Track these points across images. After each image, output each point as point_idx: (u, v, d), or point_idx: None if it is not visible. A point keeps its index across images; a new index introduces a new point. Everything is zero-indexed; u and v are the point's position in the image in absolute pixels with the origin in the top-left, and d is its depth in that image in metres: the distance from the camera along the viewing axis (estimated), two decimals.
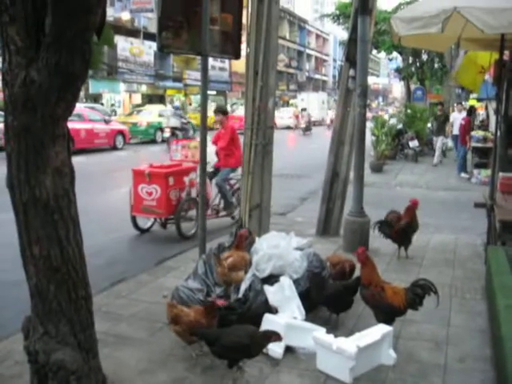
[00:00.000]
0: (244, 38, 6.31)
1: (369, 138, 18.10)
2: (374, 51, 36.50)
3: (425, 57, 32.78)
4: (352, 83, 8.27)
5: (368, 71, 8.03)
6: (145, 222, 9.38)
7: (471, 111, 19.75)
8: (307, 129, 41.11)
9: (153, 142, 28.22)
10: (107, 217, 10.60)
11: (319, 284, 5.24)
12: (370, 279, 4.98)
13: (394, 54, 35.18)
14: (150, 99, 45.52)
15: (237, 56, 6.12)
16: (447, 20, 6.19)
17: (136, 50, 42.69)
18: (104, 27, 3.68)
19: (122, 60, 41.04)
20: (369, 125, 19.20)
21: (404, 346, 4.84)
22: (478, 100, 24.09)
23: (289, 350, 4.61)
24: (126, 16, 41.42)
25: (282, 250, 5.41)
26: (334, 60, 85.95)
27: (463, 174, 16.92)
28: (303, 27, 77.84)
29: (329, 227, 8.77)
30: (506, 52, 8.44)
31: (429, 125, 23.50)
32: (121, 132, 25.10)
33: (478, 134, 17.82)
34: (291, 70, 71.17)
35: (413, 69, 33.99)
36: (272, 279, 5.17)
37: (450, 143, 21.85)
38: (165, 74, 46.67)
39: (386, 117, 27.32)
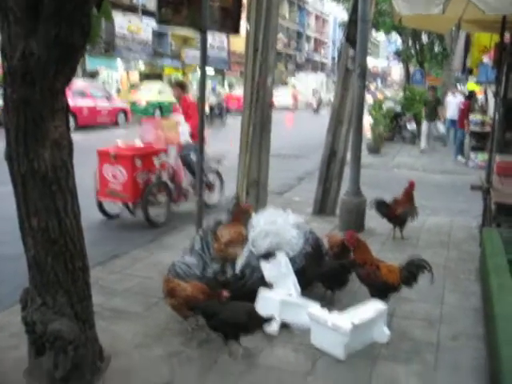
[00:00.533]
0: (244, 15, 6.27)
1: (366, 119, 18.10)
2: (374, 33, 36.29)
3: (425, 38, 32.58)
4: (351, 63, 8.24)
5: (368, 52, 8.00)
6: (112, 207, 8.70)
7: (471, 95, 19.60)
8: (318, 109, 42.28)
9: None
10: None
11: (315, 260, 5.28)
12: (364, 259, 5.01)
13: (394, 36, 34.97)
14: (147, 77, 45.20)
15: (236, 31, 6.08)
16: (448, 1, 6.17)
17: (134, 28, 42.31)
18: (103, 1, 3.66)
19: (119, 37, 40.65)
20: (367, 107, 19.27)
21: (398, 324, 4.89)
22: (477, 83, 23.98)
23: (284, 325, 4.65)
24: None
25: (278, 226, 5.43)
26: (334, 42, 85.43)
27: (460, 158, 16.94)
28: (303, 7, 77.20)
29: (325, 207, 8.81)
30: (507, 35, 8.40)
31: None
32: (123, 110, 25.04)
33: (476, 117, 17.80)
34: (290, 51, 70.73)
35: (412, 51, 33.80)
36: (268, 256, 5.20)
37: (442, 129, 20.84)
38: (163, 52, 46.33)
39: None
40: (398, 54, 37.95)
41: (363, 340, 4.43)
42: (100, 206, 8.52)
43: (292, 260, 5.21)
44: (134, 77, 45.20)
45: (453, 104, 19.11)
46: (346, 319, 4.28)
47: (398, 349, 4.46)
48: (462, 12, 7.35)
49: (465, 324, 4.98)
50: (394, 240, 7.57)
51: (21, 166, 3.49)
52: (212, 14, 5.68)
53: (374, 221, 8.14)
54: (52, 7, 3.24)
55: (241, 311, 4.20)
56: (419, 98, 22.55)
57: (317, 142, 12.22)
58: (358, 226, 7.71)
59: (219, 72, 54.06)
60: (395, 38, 36.26)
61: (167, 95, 29.43)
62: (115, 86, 39.45)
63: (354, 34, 7.79)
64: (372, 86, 71.47)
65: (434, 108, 18.97)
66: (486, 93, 21.02)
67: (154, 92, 29.23)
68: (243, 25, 6.53)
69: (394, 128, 21.33)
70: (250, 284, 4.95)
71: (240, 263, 5.04)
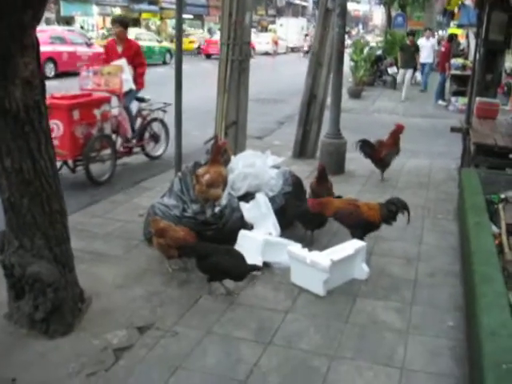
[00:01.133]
0: None
1: (347, 64, 17.88)
2: None
3: None
4: (331, 3, 8.07)
5: None
6: None
7: (452, 38, 19.37)
8: (307, 52, 41.32)
9: None
10: None
11: (295, 200, 5.30)
12: (333, 209, 5.02)
13: None
14: None
15: None
16: None
17: None
18: None
19: None
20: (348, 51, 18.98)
21: (376, 262, 4.96)
22: (459, 26, 23.78)
23: (265, 265, 4.68)
24: None
25: (257, 168, 5.41)
26: None
27: (441, 102, 16.90)
28: None
29: (305, 149, 8.78)
30: None
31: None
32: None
33: (457, 61, 17.71)
34: None
35: None
36: (248, 196, 5.20)
37: (419, 77, 20.03)
38: None
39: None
40: None
41: (342, 277, 4.49)
42: None
43: (272, 200, 5.21)
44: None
45: (426, 48, 18.62)
46: (324, 256, 4.31)
47: (376, 285, 4.53)
48: None
49: (442, 262, 5.06)
50: (377, 182, 7.58)
51: None
52: None
53: (354, 163, 8.15)
54: None
55: (239, 258, 4.22)
56: (400, 42, 22.32)
57: (297, 87, 12.10)
58: (338, 169, 7.73)
59: (198, 17, 52.99)
60: None
61: (145, 41, 28.89)
62: (91, 32, 38.46)
63: None
64: (353, 32, 70.62)
65: (412, 55, 18.02)
66: (467, 37, 20.85)
67: (131, 37, 28.54)
68: None
69: (374, 72, 21.14)
70: (231, 224, 4.96)
71: (220, 204, 5.03)
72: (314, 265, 4.25)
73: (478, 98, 8.14)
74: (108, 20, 44.00)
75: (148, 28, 43.33)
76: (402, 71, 18.34)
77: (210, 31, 47.85)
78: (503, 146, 6.25)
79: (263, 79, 21.90)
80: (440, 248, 5.38)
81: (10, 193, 3.58)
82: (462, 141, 8.02)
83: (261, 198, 5.11)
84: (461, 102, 15.23)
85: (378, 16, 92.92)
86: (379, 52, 21.88)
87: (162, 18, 48.06)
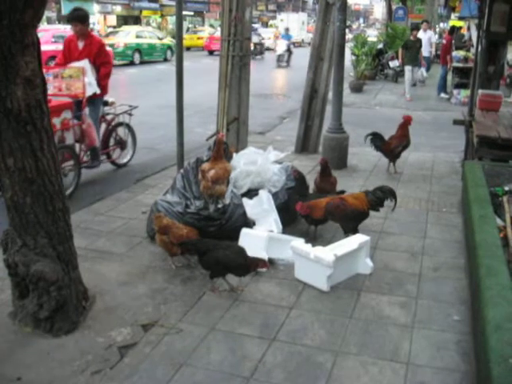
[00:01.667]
0: None
1: (349, 58, 17.84)
2: None
3: None
4: None
5: None
6: None
7: (453, 30, 19.29)
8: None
9: (131, 63, 27.54)
10: None
11: (299, 195, 5.30)
12: (321, 210, 5.03)
13: None
14: (125, 21, 44.18)
15: None
16: None
17: None
18: None
19: None
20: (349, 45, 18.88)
21: (381, 257, 4.94)
22: (460, 19, 23.69)
23: (269, 261, 4.66)
24: None
25: (259, 167, 5.39)
26: None
27: (443, 95, 16.85)
28: None
29: (307, 144, 8.76)
30: None
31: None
32: None
33: (459, 53, 17.63)
34: None
35: None
36: (251, 192, 5.19)
37: (425, 73, 18.75)
38: None
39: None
40: None
41: (347, 272, 4.48)
42: None
43: (275, 196, 5.21)
44: (112, 20, 44.13)
45: (424, 40, 17.97)
46: (328, 252, 4.30)
47: (380, 280, 4.52)
48: None
49: (447, 255, 5.04)
50: (380, 176, 7.57)
51: None
52: None
53: (357, 157, 8.14)
54: None
55: (239, 253, 4.21)
56: (401, 35, 22.25)
57: (298, 82, 12.08)
58: (340, 163, 7.71)
59: (198, 14, 52.94)
60: None
61: (146, 38, 28.87)
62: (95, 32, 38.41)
63: None
64: (354, 26, 70.48)
65: (418, 50, 16.82)
66: (469, 29, 20.74)
67: (132, 35, 28.54)
68: None
69: (376, 66, 21.09)
70: (234, 220, 4.95)
71: (224, 202, 5.02)
72: (318, 260, 4.23)
73: (480, 90, 8.12)
74: (109, 18, 44.12)
75: (149, 25, 43.30)
76: (407, 68, 16.62)
77: (211, 27, 47.82)
78: (506, 137, 6.23)
79: (265, 74, 21.91)
80: (444, 241, 5.36)
81: (13, 192, 3.58)
82: (464, 133, 8.00)
83: (263, 195, 5.09)
84: (463, 94, 15.20)
85: (379, 10, 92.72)
86: (380, 46, 21.81)
87: (162, 16, 48.06)
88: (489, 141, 6.34)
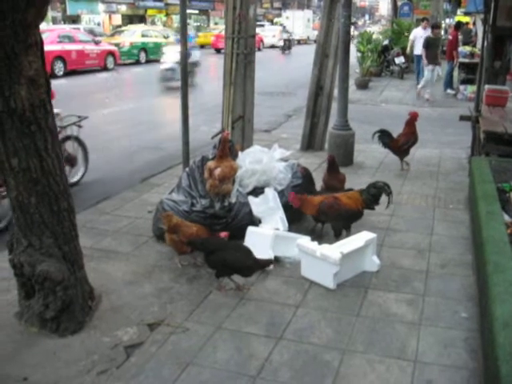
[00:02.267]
0: None
1: (354, 55, 17.77)
2: None
3: None
4: None
5: None
6: None
7: (459, 26, 19.15)
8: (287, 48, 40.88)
9: (137, 62, 27.56)
10: (91, 137, 10.45)
11: (305, 192, 5.28)
12: (313, 207, 5.00)
13: None
14: (130, 20, 44.22)
15: None
16: None
17: None
18: None
19: None
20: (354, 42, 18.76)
21: (387, 254, 4.92)
22: (466, 14, 23.56)
23: (275, 259, 4.65)
24: None
25: (264, 165, 5.37)
26: None
27: (449, 91, 16.75)
28: None
29: (313, 142, 8.74)
30: None
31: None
32: (111, 52, 24.49)
33: (465, 49, 17.53)
34: None
35: None
36: (257, 190, 5.18)
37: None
38: None
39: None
40: None
41: (353, 269, 4.46)
42: None
43: (281, 193, 5.19)
44: (117, 20, 44.18)
45: (423, 39, 16.40)
46: (335, 249, 4.28)
47: (387, 277, 4.49)
48: None
49: (454, 252, 5.01)
50: (387, 173, 7.54)
51: None
52: None
53: (363, 154, 8.11)
54: None
55: (247, 254, 4.20)
56: (407, 31, 22.12)
57: (305, 80, 12.03)
58: (346, 160, 7.68)
59: (204, 12, 52.93)
60: None
61: (152, 37, 28.85)
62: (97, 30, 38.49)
63: None
64: (359, 22, 70.30)
65: (438, 48, 15.68)
66: (475, 24, 20.60)
67: (138, 34, 28.55)
68: None
69: (381, 63, 21.00)
70: (240, 218, 4.94)
71: (230, 200, 5.01)
72: (325, 258, 4.21)
73: (486, 86, 8.06)
74: (114, 17, 44.15)
75: (154, 24, 43.31)
76: (429, 68, 15.39)
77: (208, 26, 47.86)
78: None
79: (271, 72, 21.89)
80: (451, 238, 5.33)
81: (18, 192, 3.57)
82: (471, 129, 7.95)
83: (269, 193, 5.08)
84: (469, 90, 15.09)
85: (384, 6, 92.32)
86: (386, 42, 21.70)
87: (167, 14, 48.05)
88: (495, 136, 6.29)
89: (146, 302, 4.08)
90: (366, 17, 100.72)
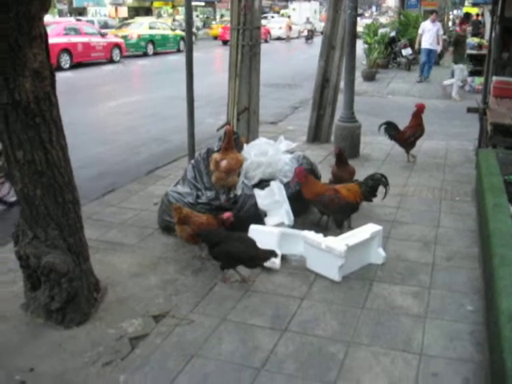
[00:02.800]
0: None
1: (361, 46, 17.68)
2: None
3: None
4: None
5: None
6: None
7: (467, 17, 19.03)
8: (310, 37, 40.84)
9: (145, 55, 27.54)
10: (97, 129, 10.49)
11: None
12: (314, 193, 4.99)
13: None
14: (136, 12, 44.16)
15: None
16: None
17: None
18: None
19: None
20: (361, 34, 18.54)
21: (393, 246, 4.90)
22: (474, 5, 23.40)
23: (282, 258, 4.63)
24: None
25: (270, 157, 5.34)
26: None
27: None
28: None
29: (319, 134, 8.71)
30: None
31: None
32: (117, 45, 24.49)
33: (473, 40, 17.42)
34: None
35: None
36: (263, 183, 5.16)
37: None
38: None
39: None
40: None
41: (359, 262, 4.44)
42: None
43: (286, 185, 5.17)
44: (123, 12, 44.13)
45: (431, 32, 16.50)
46: (340, 241, 4.27)
47: (393, 270, 4.48)
48: None
49: (460, 245, 4.98)
50: (393, 165, 7.51)
51: (1, 96, 3.38)
52: None
53: (369, 147, 8.08)
54: None
55: (250, 244, 4.19)
56: (414, 23, 22.00)
57: (311, 71, 11.99)
58: (352, 152, 7.65)
59: (210, 4, 52.79)
60: None
61: (159, 29, 28.84)
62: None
63: None
64: (366, 14, 69.96)
65: (462, 46, 14.91)
66: (483, 15, 20.45)
67: (145, 26, 28.54)
68: None
69: (388, 54, 20.90)
70: (245, 210, 4.92)
71: (236, 193, 5.00)
72: (330, 250, 4.20)
73: (494, 77, 8.00)
74: (120, 10, 44.10)
75: (160, 16, 43.23)
76: (460, 67, 14.51)
77: (222, 17, 47.73)
78: None
79: (278, 64, 21.83)
80: (458, 231, 5.31)
81: (23, 184, 3.58)
82: (478, 121, 7.91)
83: (275, 186, 5.06)
84: (477, 81, 14.97)
85: None
86: (393, 34, 21.59)
87: (173, 6, 47.95)
88: (503, 128, 6.26)
89: (151, 294, 4.09)
90: (373, 8, 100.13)
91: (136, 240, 5.05)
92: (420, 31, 17.11)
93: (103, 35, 23.59)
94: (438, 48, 17.34)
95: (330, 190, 5.01)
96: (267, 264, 4.36)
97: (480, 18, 24.16)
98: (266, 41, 37.93)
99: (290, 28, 44.98)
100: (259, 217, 4.92)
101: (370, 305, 3.96)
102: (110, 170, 7.77)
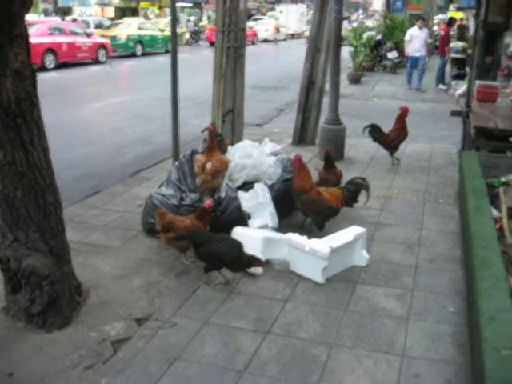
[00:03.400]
0: None
1: (346, 49, 17.72)
2: None
3: None
4: None
5: None
6: None
7: (451, 22, 19.11)
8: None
9: (133, 55, 27.43)
10: (82, 130, 10.43)
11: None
12: (303, 186, 5.02)
13: None
14: (123, 12, 43.97)
15: None
16: None
17: None
18: None
19: None
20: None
21: (377, 249, 4.92)
22: (459, 9, 23.57)
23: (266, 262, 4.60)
24: None
25: (254, 160, 5.34)
26: None
27: (441, 86, 16.76)
28: None
29: (305, 136, 8.73)
30: None
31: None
32: (103, 45, 24.33)
33: (457, 44, 17.55)
34: None
35: None
36: (247, 185, 5.15)
37: None
38: None
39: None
40: None
41: (342, 264, 4.45)
42: None
43: (270, 187, 5.16)
44: (109, 12, 43.93)
45: (419, 39, 16.12)
46: (324, 244, 4.27)
47: (376, 272, 4.49)
48: None
49: (443, 247, 5.01)
50: (377, 167, 7.53)
51: None
52: None
53: (354, 149, 8.10)
54: None
55: (232, 246, 4.17)
56: (400, 26, 22.10)
57: (297, 74, 12.01)
58: (337, 155, 7.65)
59: (197, 6, 52.72)
60: None
61: (148, 30, 28.76)
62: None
63: None
64: (353, 17, 70.24)
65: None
66: (467, 20, 20.58)
67: (134, 27, 28.44)
68: None
69: (374, 57, 20.97)
70: (229, 212, 4.91)
71: (220, 195, 4.99)
72: (313, 252, 4.20)
73: (477, 82, 8.06)
74: (106, 10, 43.90)
75: (146, 17, 43.10)
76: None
77: (209, 19, 47.67)
78: (503, 128, 6.18)
79: (264, 66, 21.84)
80: (441, 233, 5.34)
81: (3, 185, 3.54)
82: (462, 124, 7.96)
83: (259, 188, 5.05)
84: (461, 86, 15.03)
85: (378, 0, 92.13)
86: (379, 37, 21.67)
87: (160, 7, 47.80)
88: (486, 132, 6.29)
89: (134, 297, 4.06)
90: (360, 11, 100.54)
91: (119, 242, 5.02)
92: (407, 38, 16.60)
93: (89, 35, 23.44)
94: (426, 56, 17.04)
95: (313, 192, 5.01)
96: (250, 270, 4.35)
97: (464, 22, 24.31)
98: (253, 43, 37.93)
99: (277, 30, 45.05)
100: (243, 219, 4.91)
101: (353, 307, 3.97)
102: (94, 171, 7.71)
